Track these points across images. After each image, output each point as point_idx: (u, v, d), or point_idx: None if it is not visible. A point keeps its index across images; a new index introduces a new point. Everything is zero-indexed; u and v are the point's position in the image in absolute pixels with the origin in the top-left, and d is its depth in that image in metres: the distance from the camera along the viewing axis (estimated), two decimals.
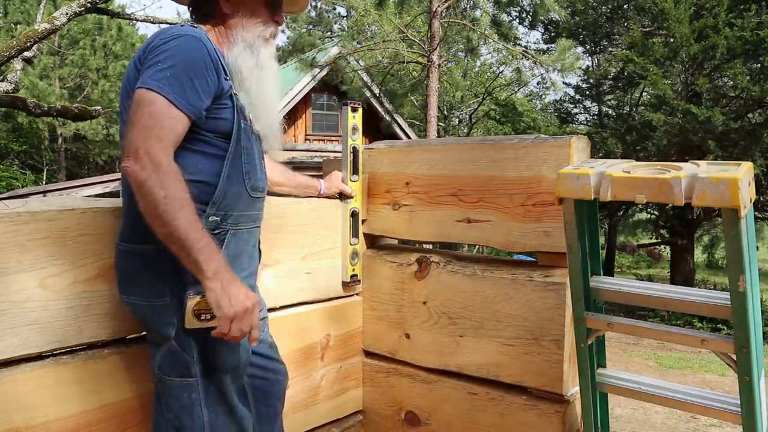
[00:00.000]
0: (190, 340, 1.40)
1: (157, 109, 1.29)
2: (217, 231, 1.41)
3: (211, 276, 1.29)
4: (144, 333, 1.60)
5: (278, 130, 1.61)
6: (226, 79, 1.44)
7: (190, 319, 1.35)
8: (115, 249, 1.47)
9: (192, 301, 1.34)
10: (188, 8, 1.57)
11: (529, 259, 1.92)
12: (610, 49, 15.60)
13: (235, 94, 1.46)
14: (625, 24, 14.18)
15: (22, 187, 19.08)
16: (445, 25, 11.25)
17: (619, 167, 1.38)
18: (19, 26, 18.48)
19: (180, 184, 1.28)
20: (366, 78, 13.74)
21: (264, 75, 1.52)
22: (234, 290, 1.31)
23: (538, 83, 23.56)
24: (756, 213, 12.37)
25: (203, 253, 1.28)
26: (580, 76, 15.57)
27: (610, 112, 16.57)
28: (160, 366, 1.43)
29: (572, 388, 1.81)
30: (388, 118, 14.75)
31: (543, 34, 16.53)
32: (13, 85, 6.47)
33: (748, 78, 11.39)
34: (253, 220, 1.53)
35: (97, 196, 10.90)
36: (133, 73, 1.39)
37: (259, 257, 1.63)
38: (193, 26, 1.46)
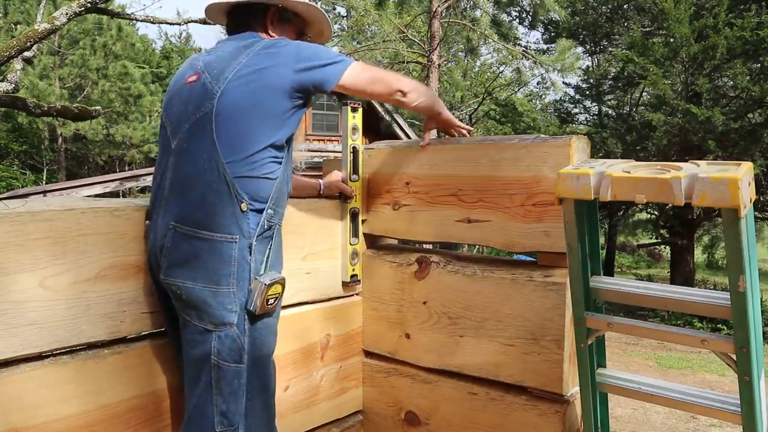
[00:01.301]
0: (245, 326, 1.47)
1: (368, 66, 1.73)
2: (271, 223, 1.54)
3: (443, 110, 1.95)
4: (144, 333, 1.61)
5: None
6: None
7: (263, 304, 1.46)
8: (167, 231, 1.49)
9: (266, 288, 1.46)
10: (229, 17, 1.72)
11: (529, 259, 1.92)
12: (610, 49, 15.61)
13: None
14: (625, 24, 14.18)
15: (22, 187, 19.07)
16: (445, 25, 11.26)
17: (619, 167, 1.38)
18: (19, 26, 18.46)
19: (414, 81, 1.84)
20: None
21: None
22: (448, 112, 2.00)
23: (538, 83, 23.57)
24: (756, 213, 12.37)
25: (439, 104, 1.94)
26: (580, 76, 15.58)
27: (610, 112, 16.57)
28: (218, 353, 1.46)
29: (572, 388, 1.81)
30: (388, 118, 14.74)
31: (543, 34, 16.53)
32: (13, 85, 6.47)
33: (748, 78, 11.39)
34: (281, 218, 1.65)
35: (97, 196, 10.92)
36: (277, 77, 1.53)
37: None
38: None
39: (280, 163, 1.56)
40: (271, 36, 1.67)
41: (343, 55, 1.72)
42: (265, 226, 1.52)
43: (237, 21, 1.71)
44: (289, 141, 1.61)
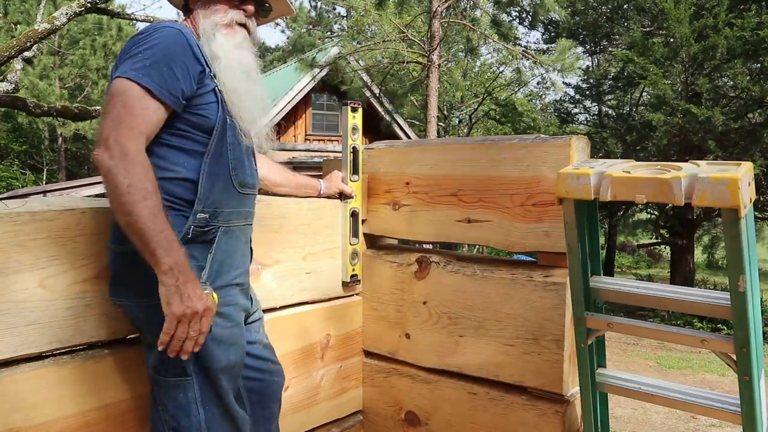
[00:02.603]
0: None
1: (131, 98, 1.29)
2: (207, 228, 1.42)
3: (166, 270, 1.26)
4: None
5: (261, 123, 1.56)
6: (210, 74, 1.43)
7: None
8: (107, 251, 1.46)
9: None
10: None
11: (529, 259, 1.92)
12: (610, 49, 15.61)
13: (220, 91, 1.46)
14: (625, 24, 14.18)
15: (22, 187, 19.07)
16: (445, 25, 11.25)
17: (619, 167, 1.38)
18: (19, 26, 18.48)
19: (146, 174, 1.27)
20: (366, 78, 13.74)
21: (226, 63, 1.47)
22: (189, 289, 1.28)
23: (538, 83, 23.57)
24: (756, 213, 12.37)
25: (162, 246, 1.26)
26: (580, 76, 15.57)
27: (610, 112, 16.57)
28: (155, 367, 1.41)
29: (572, 388, 1.81)
30: (388, 118, 14.75)
31: (543, 34, 16.54)
32: (13, 85, 6.48)
33: (748, 78, 11.39)
34: (244, 218, 1.53)
35: (97, 196, 10.88)
36: (115, 69, 1.38)
37: (251, 256, 1.62)
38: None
39: (197, 160, 1.40)
40: (190, 9, 1.52)
41: (145, 57, 1.32)
42: (195, 232, 1.38)
43: (182, 8, 1.57)
44: (210, 138, 1.42)
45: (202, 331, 1.31)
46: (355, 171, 2.15)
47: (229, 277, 1.46)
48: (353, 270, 2.18)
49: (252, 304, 1.64)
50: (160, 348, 1.31)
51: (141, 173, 1.26)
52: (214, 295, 1.37)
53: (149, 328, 1.40)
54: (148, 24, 1.46)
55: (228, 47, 1.48)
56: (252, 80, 1.51)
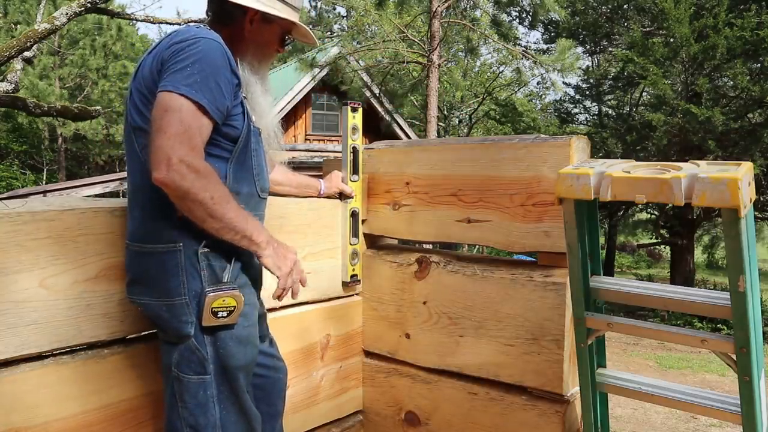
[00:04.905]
0: (205, 337, 1.41)
1: (187, 115, 1.31)
2: None
3: (265, 245, 1.42)
4: (144, 333, 1.61)
5: (278, 133, 1.69)
6: (239, 85, 1.47)
7: (208, 317, 1.39)
8: (125, 250, 1.47)
9: (210, 299, 1.38)
10: (207, 11, 1.59)
11: (529, 259, 1.92)
12: (610, 49, 15.61)
13: (245, 97, 1.53)
14: (625, 24, 14.18)
15: (22, 187, 19.07)
16: (445, 25, 11.24)
17: (619, 167, 1.38)
18: (19, 26, 18.48)
19: (218, 181, 1.35)
20: (366, 78, 13.72)
21: (265, 86, 1.62)
22: (283, 250, 1.47)
23: (538, 83, 23.54)
24: (756, 213, 12.37)
25: (254, 230, 1.40)
26: (580, 76, 15.56)
27: (610, 112, 16.57)
28: (177, 364, 1.42)
29: (572, 388, 1.81)
30: (388, 118, 14.74)
31: (543, 34, 16.54)
32: (13, 85, 6.48)
33: (748, 78, 11.39)
34: (260, 220, 1.57)
35: (97, 196, 10.89)
36: (150, 73, 1.39)
37: None
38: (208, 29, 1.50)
39: (223, 164, 1.44)
40: (244, 36, 1.55)
41: (200, 69, 1.34)
42: None
43: (215, 13, 1.56)
44: (236, 143, 1.46)
45: (301, 274, 1.51)
46: (355, 171, 2.15)
47: (249, 277, 1.50)
48: (353, 270, 2.18)
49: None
50: (274, 298, 1.49)
51: (215, 183, 1.33)
52: (240, 295, 1.43)
53: (173, 326, 1.41)
54: (180, 27, 1.46)
55: (267, 74, 1.65)
56: (272, 97, 1.67)
